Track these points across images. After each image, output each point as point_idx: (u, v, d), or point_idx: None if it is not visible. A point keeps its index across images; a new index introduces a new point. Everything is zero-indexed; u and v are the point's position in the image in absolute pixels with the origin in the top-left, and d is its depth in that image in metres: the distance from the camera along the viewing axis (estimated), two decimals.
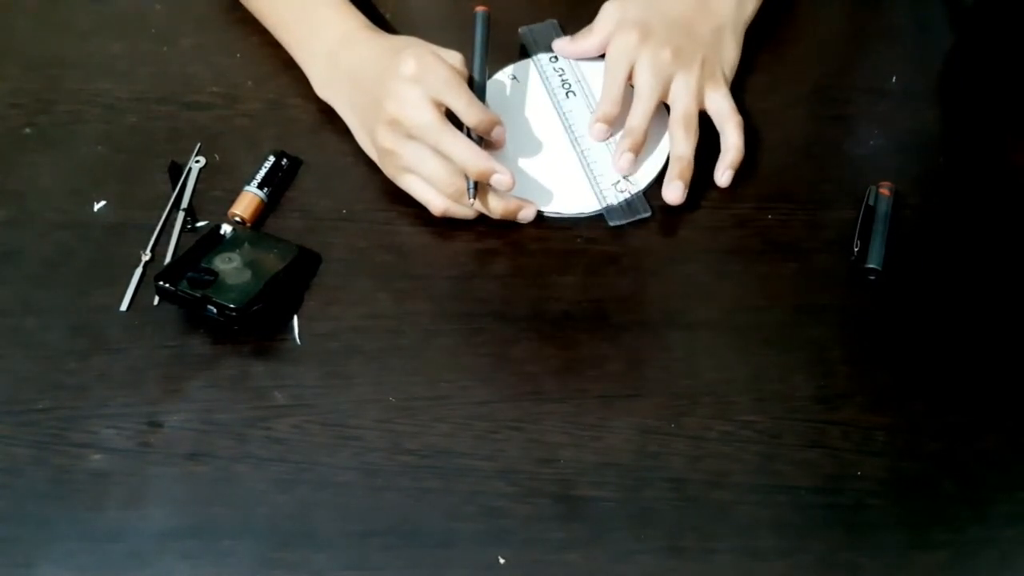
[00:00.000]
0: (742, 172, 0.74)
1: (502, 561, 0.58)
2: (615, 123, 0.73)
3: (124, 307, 0.67)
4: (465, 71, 0.70)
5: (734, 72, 0.77)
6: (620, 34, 0.74)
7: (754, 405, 0.63)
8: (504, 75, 0.78)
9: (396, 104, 0.67)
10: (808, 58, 0.81)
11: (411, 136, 0.67)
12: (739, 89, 0.78)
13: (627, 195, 0.71)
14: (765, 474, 0.61)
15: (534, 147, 0.74)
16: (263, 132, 0.76)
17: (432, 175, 0.68)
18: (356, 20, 0.74)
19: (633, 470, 0.61)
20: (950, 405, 0.64)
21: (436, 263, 0.70)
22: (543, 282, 0.68)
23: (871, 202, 0.70)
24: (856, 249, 0.69)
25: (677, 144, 0.71)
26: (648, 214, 0.71)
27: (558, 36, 0.79)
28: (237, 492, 0.60)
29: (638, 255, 0.70)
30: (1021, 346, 0.66)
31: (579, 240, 0.70)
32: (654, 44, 0.72)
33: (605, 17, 0.76)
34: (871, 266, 0.68)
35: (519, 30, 0.80)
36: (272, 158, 0.72)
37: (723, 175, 0.72)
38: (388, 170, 0.70)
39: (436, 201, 0.69)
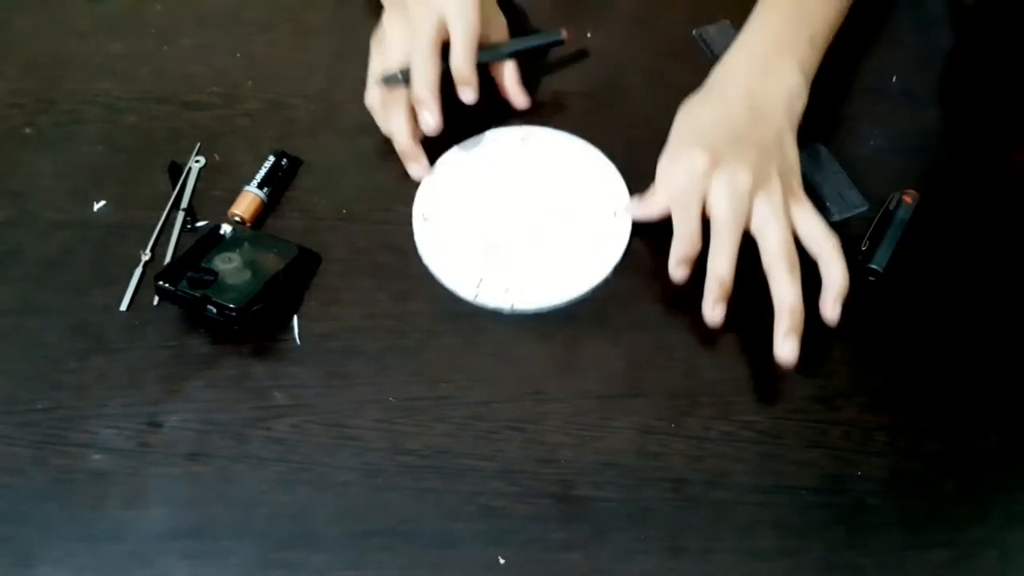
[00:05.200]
0: None
1: (502, 561, 0.58)
2: (694, 261, 0.64)
3: (124, 307, 0.67)
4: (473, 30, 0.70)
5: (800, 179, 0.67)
6: (686, 160, 0.64)
7: (754, 405, 0.63)
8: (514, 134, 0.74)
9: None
10: None
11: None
12: None
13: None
14: (765, 474, 0.61)
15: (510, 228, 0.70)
16: (263, 132, 0.76)
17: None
18: None
19: (633, 470, 0.61)
20: (950, 405, 0.64)
21: None
22: None
23: (891, 207, 0.70)
24: (863, 248, 0.69)
25: (781, 288, 0.61)
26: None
27: (732, 37, 0.72)
28: (237, 492, 0.60)
29: (638, 255, 0.70)
30: (1021, 347, 0.66)
31: None
32: (728, 167, 0.63)
33: (663, 172, 0.67)
34: (872, 267, 0.68)
35: (692, 32, 0.79)
36: (272, 158, 0.72)
37: (832, 309, 0.62)
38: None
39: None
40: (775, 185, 0.63)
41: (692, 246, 0.64)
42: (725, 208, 0.62)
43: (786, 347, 0.60)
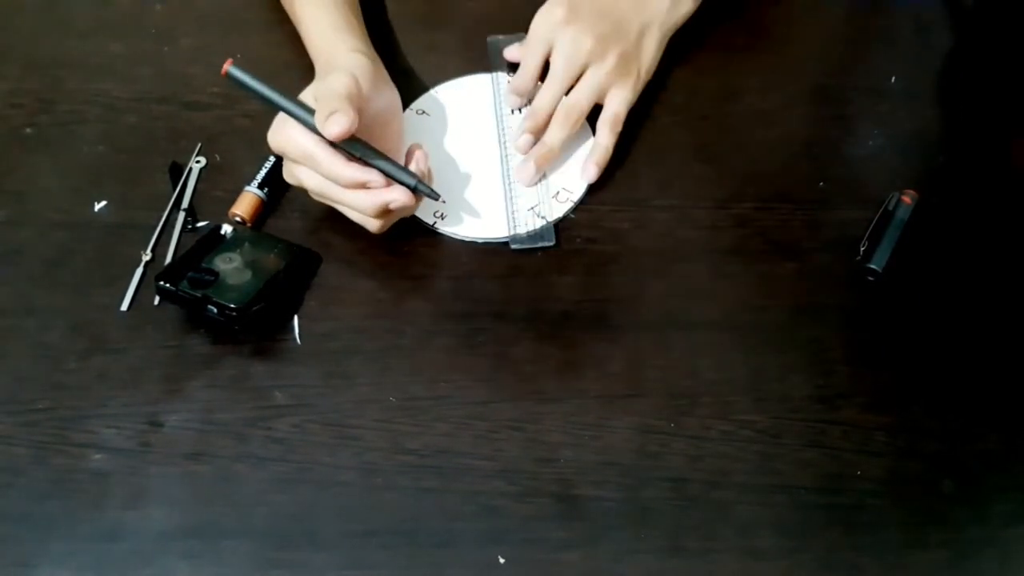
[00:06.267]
0: (742, 172, 0.74)
1: (502, 561, 0.58)
2: (528, 96, 0.75)
3: (124, 307, 0.67)
4: (351, 87, 0.64)
5: (651, 74, 0.76)
6: (547, 9, 0.74)
7: (754, 405, 0.63)
8: (412, 110, 0.76)
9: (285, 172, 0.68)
10: (808, 58, 0.81)
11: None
12: (740, 89, 0.78)
13: (544, 222, 0.70)
14: (765, 474, 0.61)
15: (461, 169, 0.73)
16: (263, 132, 0.75)
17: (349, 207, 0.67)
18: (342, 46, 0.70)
19: (633, 470, 0.61)
20: (950, 405, 0.64)
21: (436, 263, 0.70)
22: (543, 282, 0.68)
23: (890, 207, 0.70)
24: (863, 248, 0.69)
25: (549, 133, 0.72)
26: (551, 243, 0.70)
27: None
28: (237, 492, 0.60)
29: (638, 255, 0.70)
30: (1021, 347, 0.66)
31: (579, 240, 0.70)
32: (577, 27, 0.72)
33: (535, 24, 0.74)
34: (872, 267, 0.68)
35: (488, 39, 0.80)
36: (273, 158, 0.72)
37: (588, 171, 0.72)
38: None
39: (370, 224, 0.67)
40: (608, 61, 0.72)
41: (529, 80, 0.74)
42: (560, 65, 0.72)
43: (524, 170, 0.71)
